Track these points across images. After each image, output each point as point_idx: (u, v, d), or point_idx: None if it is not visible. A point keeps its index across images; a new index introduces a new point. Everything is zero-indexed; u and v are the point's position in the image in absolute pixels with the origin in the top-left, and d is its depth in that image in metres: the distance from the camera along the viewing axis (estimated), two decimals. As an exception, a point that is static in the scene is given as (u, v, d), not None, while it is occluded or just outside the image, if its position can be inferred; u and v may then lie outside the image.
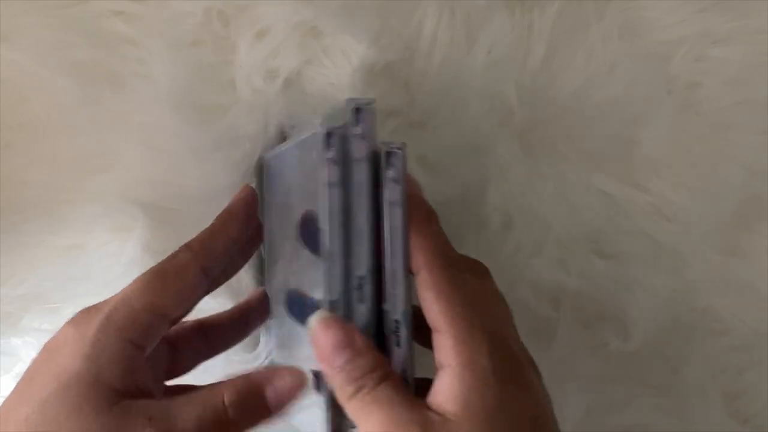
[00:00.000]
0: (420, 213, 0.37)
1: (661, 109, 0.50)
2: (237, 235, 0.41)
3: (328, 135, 0.36)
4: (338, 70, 0.50)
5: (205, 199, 0.50)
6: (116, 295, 0.37)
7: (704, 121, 0.50)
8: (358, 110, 0.37)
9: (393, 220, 0.36)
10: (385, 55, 0.49)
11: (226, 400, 0.35)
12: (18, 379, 0.38)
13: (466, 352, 0.34)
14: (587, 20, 0.50)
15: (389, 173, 0.36)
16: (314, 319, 0.35)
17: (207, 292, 0.40)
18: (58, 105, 0.50)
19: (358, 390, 0.34)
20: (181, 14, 0.50)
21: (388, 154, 0.36)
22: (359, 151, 0.36)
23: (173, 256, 0.39)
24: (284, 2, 0.49)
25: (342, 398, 0.35)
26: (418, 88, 0.50)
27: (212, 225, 0.41)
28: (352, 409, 0.35)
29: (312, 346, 0.35)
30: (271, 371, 0.37)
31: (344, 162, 0.36)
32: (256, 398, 0.36)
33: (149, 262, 0.49)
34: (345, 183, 0.36)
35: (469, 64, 0.49)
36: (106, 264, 0.49)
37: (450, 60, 0.49)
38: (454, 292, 0.35)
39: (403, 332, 0.37)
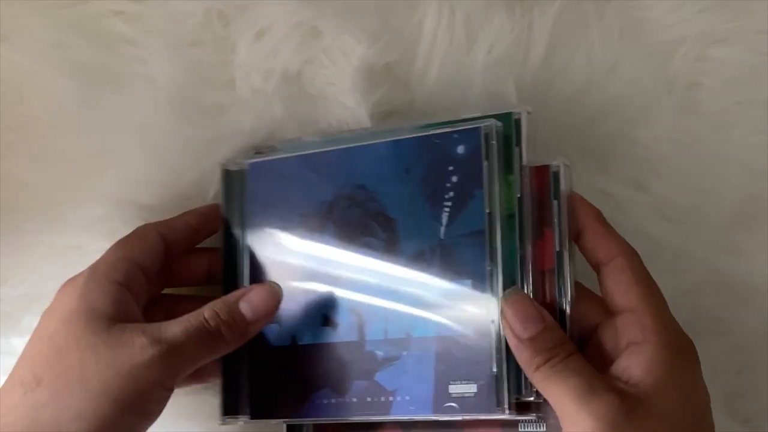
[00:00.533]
0: (596, 211, 0.41)
1: (661, 109, 0.50)
2: (194, 223, 0.48)
3: (486, 136, 0.41)
4: (338, 70, 0.50)
5: (203, 200, 0.50)
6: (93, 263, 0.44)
7: (704, 121, 0.50)
8: (518, 121, 0.41)
9: (564, 227, 0.41)
10: (385, 55, 0.49)
11: (206, 314, 0.41)
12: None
13: (667, 332, 0.37)
14: (587, 20, 0.50)
15: (563, 186, 0.41)
16: (508, 293, 0.39)
17: (170, 262, 0.47)
18: (58, 105, 0.50)
19: (548, 359, 0.37)
20: (181, 14, 0.50)
21: (566, 166, 0.41)
22: (524, 159, 0.41)
23: (136, 228, 0.46)
24: (284, 2, 0.49)
25: (529, 368, 0.37)
26: (418, 88, 0.50)
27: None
28: (540, 377, 0.37)
29: (502, 318, 0.39)
30: (247, 288, 0.44)
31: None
32: (232, 311, 0.42)
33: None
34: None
35: (469, 64, 0.49)
36: (106, 264, 0.49)
37: (450, 60, 0.49)
38: (650, 279, 0.39)
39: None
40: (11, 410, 0.39)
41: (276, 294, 0.43)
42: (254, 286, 0.44)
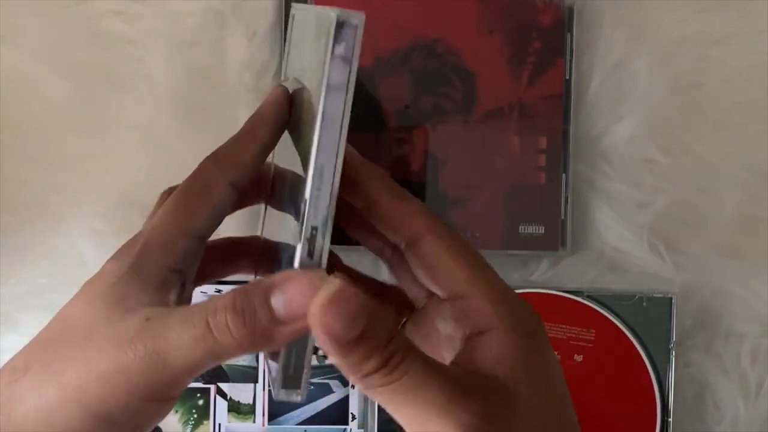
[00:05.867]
0: (384, 174, 0.33)
1: (661, 109, 0.50)
2: (267, 142, 0.35)
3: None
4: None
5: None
6: (153, 220, 0.34)
7: (704, 121, 0.51)
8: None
9: (331, 107, 0.29)
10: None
11: (218, 305, 0.30)
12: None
13: (512, 315, 0.31)
14: (590, 20, 0.50)
15: (338, 49, 0.29)
16: (326, 291, 0.27)
17: (238, 206, 0.36)
18: (58, 105, 0.50)
19: (384, 363, 0.28)
20: (181, 14, 0.50)
21: (341, 24, 0.29)
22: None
23: (199, 173, 0.34)
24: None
25: (357, 373, 0.28)
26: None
27: (240, 131, 0.35)
28: (374, 384, 0.28)
29: (315, 325, 0.27)
30: (286, 274, 0.30)
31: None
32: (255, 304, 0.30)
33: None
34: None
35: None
36: (106, 264, 0.49)
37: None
38: (475, 256, 0.32)
39: (319, 242, 0.30)
40: None
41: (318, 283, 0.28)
42: (295, 273, 0.29)
